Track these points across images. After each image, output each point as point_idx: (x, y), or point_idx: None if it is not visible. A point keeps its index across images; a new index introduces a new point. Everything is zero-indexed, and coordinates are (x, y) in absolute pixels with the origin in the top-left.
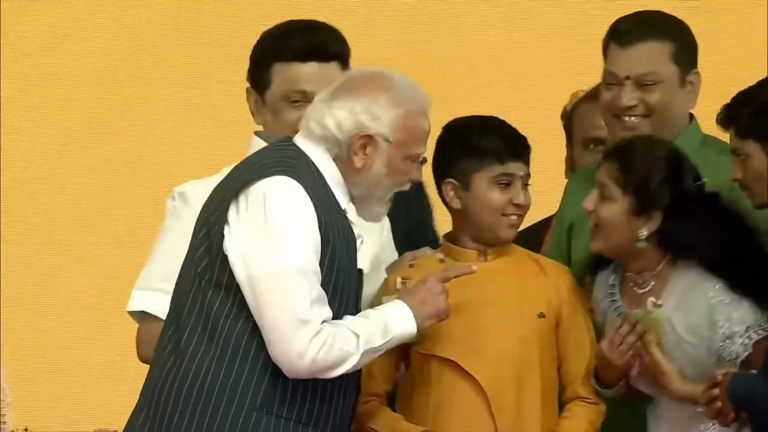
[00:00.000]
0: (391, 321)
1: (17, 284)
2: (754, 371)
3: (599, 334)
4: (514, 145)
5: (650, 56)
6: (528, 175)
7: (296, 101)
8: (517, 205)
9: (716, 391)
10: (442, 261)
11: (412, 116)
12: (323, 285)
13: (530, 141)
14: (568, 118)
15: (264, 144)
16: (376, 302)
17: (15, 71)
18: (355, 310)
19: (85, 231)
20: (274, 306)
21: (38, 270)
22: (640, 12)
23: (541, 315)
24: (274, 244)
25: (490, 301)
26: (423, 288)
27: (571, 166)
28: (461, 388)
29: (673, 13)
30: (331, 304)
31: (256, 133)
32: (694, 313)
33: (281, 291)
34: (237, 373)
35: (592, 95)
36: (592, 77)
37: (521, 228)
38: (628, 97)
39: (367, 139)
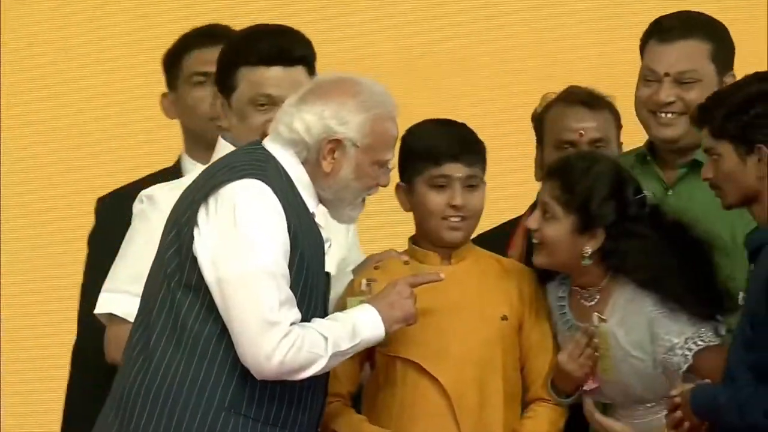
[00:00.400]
0: (360, 325)
1: (15, 285)
2: (708, 381)
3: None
4: (450, 146)
5: (691, 54)
6: (472, 176)
7: (262, 105)
8: (454, 207)
9: (679, 413)
10: (406, 263)
11: (380, 121)
12: (292, 287)
13: (500, 143)
14: (539, 120)
15: (231, 147)
16: (341, 304)
17: (14, 69)
18: (324, 313)
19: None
20: (242, 308)
21: (36, 271)
22: (681, 11)
23: (504, 317)
24: (243, 247)
25: (453, 304)
26: (392, 292)
27: (542, 168)
28: (425, 390)
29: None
30: (299, 306)
31: (223, 136)
32: (636, 328)
33: (250, 293)
34: (205, 373)
35: (564, 97)
36: (562, 79)
37: (488, 229)
38: (667, 93)
39: (336, 144)
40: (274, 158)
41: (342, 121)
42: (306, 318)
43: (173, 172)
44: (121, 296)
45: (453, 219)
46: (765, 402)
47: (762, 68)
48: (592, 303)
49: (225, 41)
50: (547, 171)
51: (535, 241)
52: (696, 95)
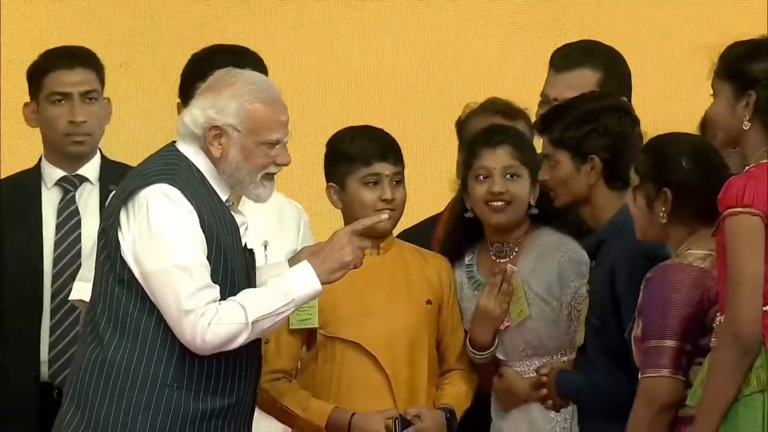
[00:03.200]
0: (292, 283)
1: None
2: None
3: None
4: (378, 148)
5: (577, 83)
6: (398, 173)
7: None
8: (385, 201)
9: (545, 391)
10: None
11: (255, 106)
12: (215, 272)
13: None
14: (462, 126)
15: None
16: None
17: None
18: (247, 287)
19: None
20: (163, 300)
21: None
22: (579, 41)
23: (428, 302)
24: (156, 246)
25: (385, 290)
26: (327, 245)
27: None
28: (364, 367)
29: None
30: (224, 286)
31: None
32: (547, 273)
33: (166, 286)
34: (148, 355)
35: (485, 107)
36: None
37: (411, 225)
38: None
39: (217, 131)
40: (185, 158)
41: (219, 109)
42: (232, 294)
43: (33, 174)
44: (90, 285)
45: (384, 212)
46: (620, 388)
47: None
48: (510, 258)
49: (84, 63)
50: (496, 141)
51: (500, 203)
52: None
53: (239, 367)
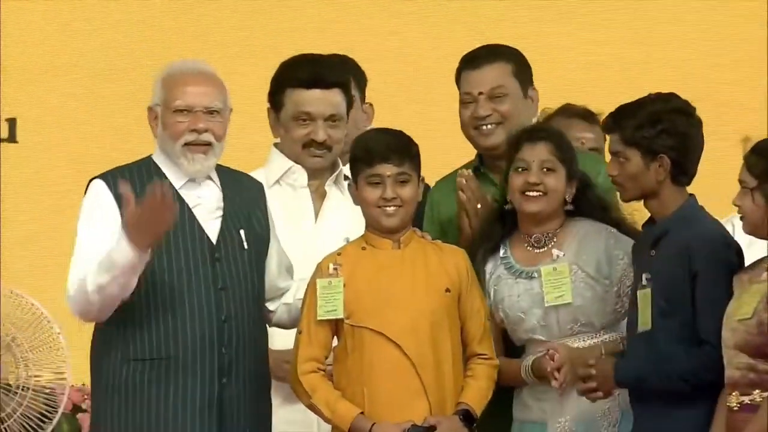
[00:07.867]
0: (114, 255)
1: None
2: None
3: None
4: (381, 150)
5: (497, 73)
6: (401, 173)
7: (303, 120)
8: (385, 199)
9: (593, 384)
10: (363, 248)
11: (167, 79)
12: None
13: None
14: None
15: (280, 154)
16: (310, 283)
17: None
18: (213, 262)
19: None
20: None
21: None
22: (482, 45)
23: (447, 290)
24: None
25: (406, 282)
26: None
27: None
28: (390, 354)
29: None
30: (170, 261)
31: (275, 145)
32: (596, 252)
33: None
34: (107, 337)
35: (563, 111)
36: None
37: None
38: (483, 108)
39: (150, 111)
40: (148, 158)
41: (153, 94)
42: (197, 272)
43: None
44: None
45: (387, 208)
46: (680, 355)
47: (762, 68)
48: (546, 248)
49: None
50: (536, 136)
51: (535, 193)
52: (507, 107)
53: (174, 331)
